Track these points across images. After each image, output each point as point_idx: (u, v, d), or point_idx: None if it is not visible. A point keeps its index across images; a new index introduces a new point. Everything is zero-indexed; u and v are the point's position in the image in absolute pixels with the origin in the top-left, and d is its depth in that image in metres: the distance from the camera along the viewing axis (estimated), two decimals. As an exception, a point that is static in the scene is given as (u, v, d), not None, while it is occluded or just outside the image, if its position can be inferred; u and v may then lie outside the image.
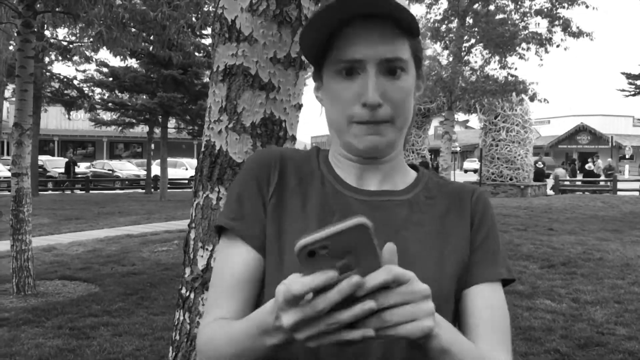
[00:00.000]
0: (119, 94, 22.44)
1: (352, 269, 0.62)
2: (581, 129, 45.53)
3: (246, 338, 0.81)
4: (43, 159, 28.50)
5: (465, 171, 43.18)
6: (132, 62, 21.61)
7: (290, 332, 0.68)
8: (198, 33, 19.74)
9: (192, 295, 1.91)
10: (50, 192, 25.14)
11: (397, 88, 0.91)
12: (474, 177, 26.09)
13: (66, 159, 29.12)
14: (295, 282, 0.64)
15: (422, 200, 0.98)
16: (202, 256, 1.93)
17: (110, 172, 30.86)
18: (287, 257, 0.91)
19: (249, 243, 0.94)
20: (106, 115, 24.48)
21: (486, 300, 0.93)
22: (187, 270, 1.96)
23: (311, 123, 13.19)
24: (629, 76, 39.49)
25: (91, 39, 8.23)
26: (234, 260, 0.95)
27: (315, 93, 1.01)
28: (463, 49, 14.88)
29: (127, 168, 31.99)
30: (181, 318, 1.93)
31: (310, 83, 1.08)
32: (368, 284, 0.64)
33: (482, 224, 0.98)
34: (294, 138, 2.02)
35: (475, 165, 34.48)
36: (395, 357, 0.88)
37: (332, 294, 0.63)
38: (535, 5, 14.31)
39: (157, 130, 22.56)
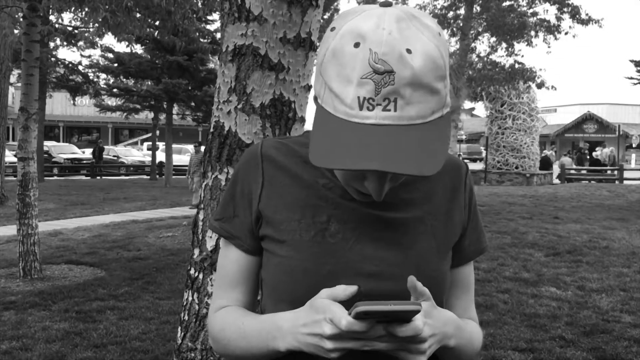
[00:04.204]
0: (124, 80, 22.40)
1: (387, 319, 0.76)
2: (588, 118, 45.21)
3: (258, 336, 0.90)
4: (48, 144, 28.54)
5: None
6: (137, 48, 21.57)
7: (326, 339, 0.79)
8: (203, 19, 19.67)
9: (200, 276, 1.91)
10: (55, 177, 25.22)
11: None
12: (479, 166, 26.00)
13: (95, 145, 29.74)
14: (344, 319, 0.75)
15: (418, 177, 0.95)
16: (210, 237, 1.92)
17: (115, 158, 30.91)
18: (286, 248, 0.93)
19: (236, 246, 0.98)
20: (111, 101, 24.46)
21: (467, 270, 1.04)
22: (196, 251, 1.95)
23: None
24: (637, 64, 39.01)
25: (96, 25, 8.19)
26: (228, 259, 1.00)
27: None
28: (470, 36, 14.74)
29: (132, 154, 32.05)
30: (190, 298, 1.93)
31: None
32: (398, 334, 0.77)
33: (474, 202, 1.02)
34: (303, 119, 2.00)
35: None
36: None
37: (372, 331, 0.76)
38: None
39: (162, 117, 22.55)
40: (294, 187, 0.95)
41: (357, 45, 0.77)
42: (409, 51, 0.76)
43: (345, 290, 0.81)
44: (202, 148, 9.41)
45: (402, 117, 0.77)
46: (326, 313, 0.78)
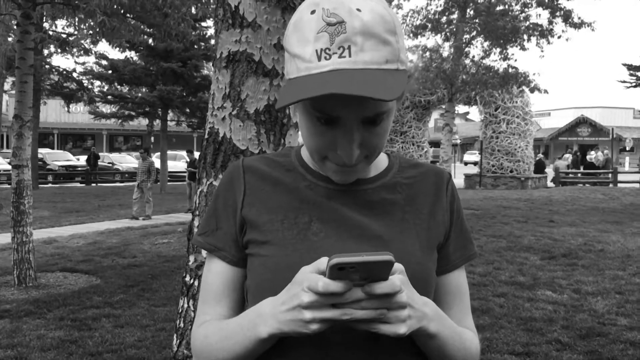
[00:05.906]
0: (119, 87, 22.34)
1: (365, 282, 0.77)
2: (581, 121, 45.42)
3: (240, 330, 0.88)
4: (43, 152, 28.43)
5: (466, 164, 43.10)
6: (132, 55, 21.55)
7: (303, 309, 0.78)
8: (197, 25, 19.68)
9: (196, 283, 1.90)
10: (50, 184, 25.12)
11: (377, 134, 0.89)
12: (474, 170, 26.06)
13: (89, 152, 29.56)
14: (321, 280, 0.76)
15: (400, 181, 1.01)
16: (206, 244, 1.91)
17: (110, 165, 30.81)
18: (269, 247, 0.94)
19: (220, 258, 0.99)
20: (105, 108, 24.39)
21: (457, 277, 1.03)
22: (191, 258, 1.95)
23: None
24: (630, 67, 39.24)
25: (90, 31, 8.18)
26: (212, 272, 1.00)
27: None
28: (464, 40, 14.78)
29: (126, 161, 31.93)
30: (185, 305, 1.92)
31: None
32: (374, 291, 0.76)
33: (457, 208, 1.04)
34: (297, 125, 2.00)
35: (476, 157, 34.48)
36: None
37: (350, 294, 0.76)
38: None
39: (156, 123, 22.52)
40: (276, 193, 0.98)
41: (312, 12, 0.84)
42: (358, 10, 0.82)
43: (327, 261, 0.80)
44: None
45: (357, 62, 0.82)
46: (304, 283, 0.78)
